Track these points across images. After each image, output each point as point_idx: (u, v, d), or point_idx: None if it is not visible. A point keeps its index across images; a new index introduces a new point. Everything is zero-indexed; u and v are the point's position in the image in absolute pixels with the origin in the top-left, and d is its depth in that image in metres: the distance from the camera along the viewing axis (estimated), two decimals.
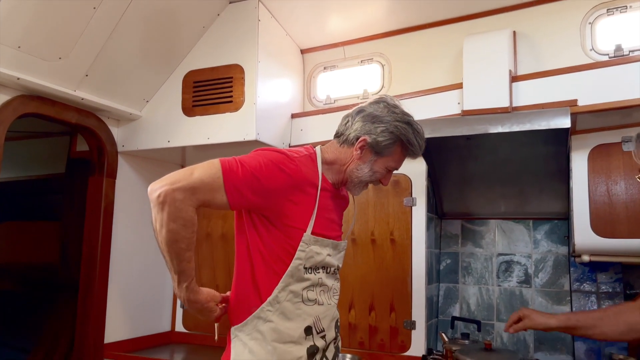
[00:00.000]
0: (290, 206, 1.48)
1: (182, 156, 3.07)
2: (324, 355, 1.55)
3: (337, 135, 1.64)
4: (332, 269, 1.61)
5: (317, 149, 1.63)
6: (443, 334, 2.46)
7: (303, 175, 1.50)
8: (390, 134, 1.55)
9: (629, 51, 2.24)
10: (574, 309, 2.47)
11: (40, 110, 2.39)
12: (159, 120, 2.77)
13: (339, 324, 1.66)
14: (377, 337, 2.62)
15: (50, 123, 2.73)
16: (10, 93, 2.27)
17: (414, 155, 1.62)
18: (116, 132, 2.85)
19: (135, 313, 2.95)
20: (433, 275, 2.73)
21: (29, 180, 3.86)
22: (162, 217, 1.34)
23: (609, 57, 2.25)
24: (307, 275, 1.51)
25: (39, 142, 3.81)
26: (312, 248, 1.50)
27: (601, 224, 2.17)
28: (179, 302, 3.12)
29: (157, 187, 1.35)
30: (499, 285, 2.71)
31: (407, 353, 2.55)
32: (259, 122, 2.50)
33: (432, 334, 2.70)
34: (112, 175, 2.80)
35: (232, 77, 2.59)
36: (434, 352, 2.55)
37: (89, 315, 2.68)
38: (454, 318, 2.62)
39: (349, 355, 2.57)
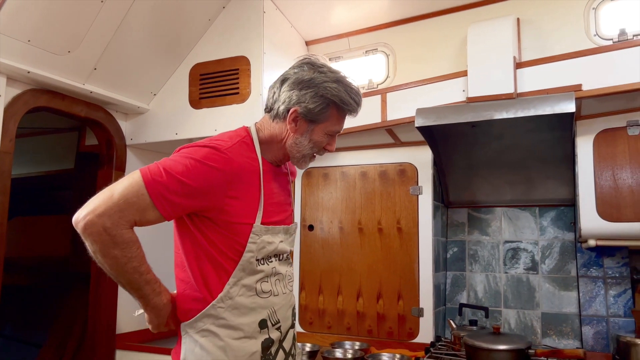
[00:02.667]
0: (231, 202, 1.36)
1: None
2: (280, 346, 1.47)
3: (267, 109, 1.51)
4: (285, 255, 1.53)
5: (252, 128, 1.50)
6: (451, 321, 2.49)
7: (238, 165, 1.37)
8: (320, 97, 1.42)
9: (633, 35, 2.24)
10: (581, 294, 2.49)
11: (51, 103, 2.43)
12: (166, 113, 2.81)
13: (295, 310, 1.60)
14: (386, 325, 2.65)
15: (58, 119, 2.77)
16: (21, 87, 2.30)
17: (352, 114, 1.50)
18: (124, 125, 2.88)
19: None
20: (440, 264, 2.74)
21: (38, 176, 3.91)
22: (99, 248, 1.23)
23: (613, 42, 2.25)
24: (260, 267, 1.41)
25: (48, 138, 3.85)
26: (263, 238, 1.41)
27: (607, 208, 2.18)
28: None
29: (80, 218, 1.22)
30: (506, 273, 2.72)
31: (415, 340, 2.57)
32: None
33: (440, 321, 2.72)
34: (121, 168, 2.83)
35: (238, 69, 2.61)
36: (443, 339, 2.58)
37: (100, 306, 2.72)
38: (462, 305, 2.64)
39: (357, 343, 2.59)
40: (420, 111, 2.31)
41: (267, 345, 1.42)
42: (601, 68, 2.09)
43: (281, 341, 1.48)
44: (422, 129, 2.33)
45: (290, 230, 1.57)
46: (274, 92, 1.49)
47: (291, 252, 1.60)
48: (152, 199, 1.25)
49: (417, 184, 2.66)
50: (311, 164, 1.62)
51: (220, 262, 1.38)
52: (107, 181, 2.76)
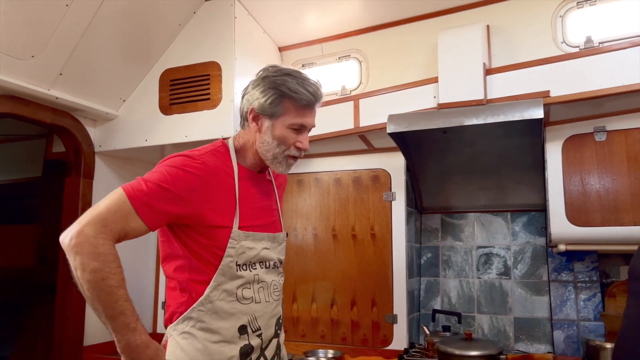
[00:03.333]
0: (208, 206, 1.41)
1: (160, 155, 3.03)
2: (261, 354, 1.49)
3: (240, 122, 1.60)
4: (271, 263, 1.55)
5: (229, 140, 1.58)
6: (424, 327, 2.49)
7: (211, 170, 1.43)
8: (270, 89, 1.46)
9: (599, 42, 2.28)
10: (552, 298, 2.51)
11: (15, 110, 2.36)
12: (136, 119, 2.75)
13: (281, 320, 1.61)
14: (360, 332, 2.63)
15: (25, 126, 2.70)
16: None
17: (309, 104, 1.49)
18: (93, 132, 2.82)
19: None
20: (414, 270, 2.74)
21: (4, 185, 3.80)
22: (80, 260, 1.24)
23: (580, 49, 2.29)
24: (241, 273, 1.44)
25: (15, 145, 3.76)
26: (242, 244, 1.44)
27: (576, 213, 2.21)
28: (160, 304, 3.09)
29: (67, 233, 1.28)
30: (479, 278, 2.73)
31: (389, 347, 2.56)
32: (237, 119, 2.46)
33: (414, 327, 2.71)
34: (89, 175, 2.77)
35: (209, 75, 2.58)
36: (416, 345, 2.57)
37: (67, 317, 2.64)
38: (435, 311, 2.64)
39: (331, 351, 2.57)
40: (392, 117, 2.31)
41: (246, 351, 1.45)
42: (569, 75, 2.12)
43: (263, 349, 1.50)
44: (394, 135, 2.33)
45: (278, 238, 1.59)
46: (241, 103, 1.58)
47: (279, 261, 1.61)
48: (134, 205, 1.31)
49: (391, 190, 2.65)
50: None
51: (200, 266, 1.43)
52: (75, 189, 2.74)
